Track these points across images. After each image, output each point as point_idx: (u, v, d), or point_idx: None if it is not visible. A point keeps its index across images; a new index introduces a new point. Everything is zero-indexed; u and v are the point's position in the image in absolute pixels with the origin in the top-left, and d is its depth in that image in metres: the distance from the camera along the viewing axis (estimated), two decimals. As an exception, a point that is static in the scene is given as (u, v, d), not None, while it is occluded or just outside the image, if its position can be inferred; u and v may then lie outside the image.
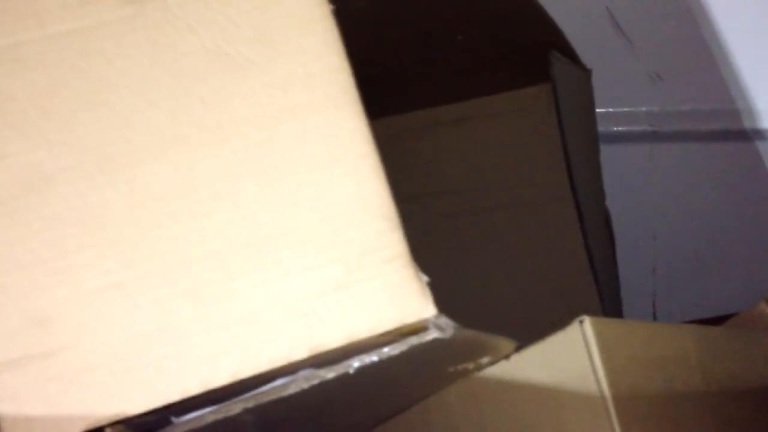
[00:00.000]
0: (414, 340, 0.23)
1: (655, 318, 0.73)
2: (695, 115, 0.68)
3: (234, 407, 0.25)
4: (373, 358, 0.24)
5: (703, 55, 0.68)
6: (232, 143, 0.25)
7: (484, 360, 0.31)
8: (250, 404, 0.25)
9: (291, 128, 0.25)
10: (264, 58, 0.26)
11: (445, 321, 0.23)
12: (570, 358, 0.29)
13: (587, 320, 0.29)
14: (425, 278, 0.23)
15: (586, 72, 0.60)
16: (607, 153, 0.62)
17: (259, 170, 0.25)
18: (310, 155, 0.25)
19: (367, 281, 0.23)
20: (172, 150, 0.25)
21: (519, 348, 0.32)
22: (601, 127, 0.64)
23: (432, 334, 0.23)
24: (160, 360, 0.24)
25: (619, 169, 0.69)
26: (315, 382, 0.24)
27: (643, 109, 0.69)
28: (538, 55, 0.57)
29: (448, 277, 0.64)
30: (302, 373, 0.24)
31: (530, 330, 0.33)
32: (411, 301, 0.23)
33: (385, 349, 0.24)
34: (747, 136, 0.66)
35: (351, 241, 0.24)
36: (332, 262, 0.24)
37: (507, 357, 0.32)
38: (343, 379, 0.24)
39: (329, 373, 0.24)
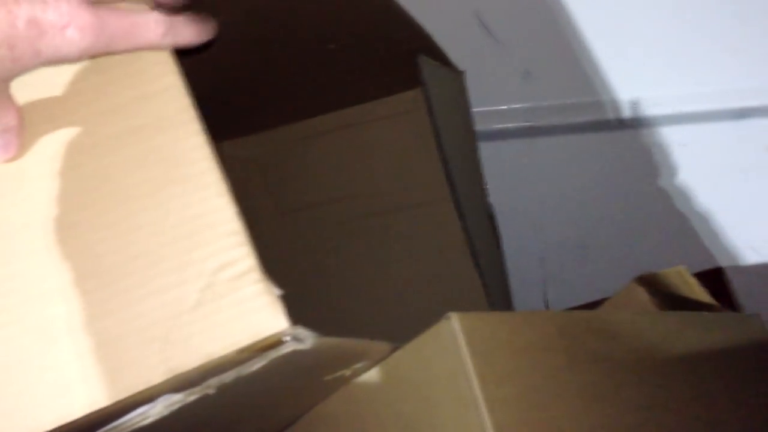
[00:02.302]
0: (273, 354, 0.23)
1: (547, 306, 0.76)
2: (566, 108, 0.71)
3: (96, 441, 0.24)
4: (232, 376, 0.23)
5: (568, 51, 0.71)
6: (69, 174, 0.24)
7: (359, 365, 0.31)
8: (113, 437, 0.24)
9: (128, 153, 0.25)
10: (94, 85, 0.25)
11: (303, 332, 0.23)
12: (440, 355, 0.30)
13: (453, 316, 0.30)
14: (278, 291, 0.23)
15: (459, 73, 0.62)
16: (488, 150, 0.64)
17: (99, 199, 0.24)
18: (150, 178, 0.24)
19: (219, 299, 0.23)
20: (6, 186, 0.24)
21: (395, 349, 0.32)
22: (480, 126, 0.66)
23: (290, 347, 0.23)
24: (12, 397, 0.23)
25: (501, 166, 0.71)
26: (176, 407, 0.24)
27: (518, 106, 0.71)
28: (410, 60, 0.58)
29: (340, 284, 0.65)
30: (161, 399, 0.23)
31: (422, 330, 0.33)
32: (264, 316, 0.23)
33: (245, 366, 0.23)
34: (613, 125, 0.70)
35: (199, 261, 0.23)
36: (182, 283, 0.23)
37: (383, 360, 0.32)
38: (208, 401, 0.24)
39: (190, 396, 0.24)
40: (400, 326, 0.62)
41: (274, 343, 0.23)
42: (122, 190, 0.25)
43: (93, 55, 0.27)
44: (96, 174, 0.25)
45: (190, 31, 0.29)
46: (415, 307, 0.61)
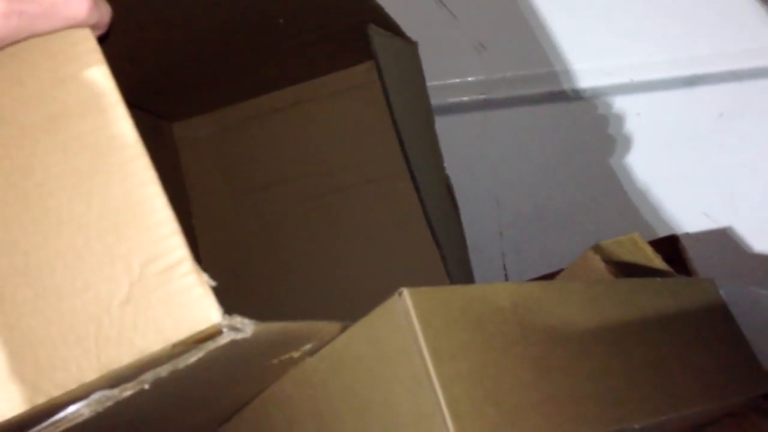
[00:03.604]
0: (210, 346, 0.23)
1: (506, 278, 0.76)
2: (520, 80, 0.71)
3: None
4: (168, 369, 0.23)
5: (521, 23, 0.71)
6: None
7: (307, 347, 0.30)
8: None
9: (50, 142, 0.23)
10: (12, 71, 0.24)
11: (241, 321, 0.22)
12: (392, 331, 0.29)
13: (405, 291, 0.30)
14: (211, 282, 0.22)
15: (412, 44, 0.61)
16: (443, 124, 0.63)
17: (22, 192, 0.23)
18: (73, 169, 0.23)
19: (151, 293, 0.22)
20: None
21: (345, 328, 0.31)
22: (435, 100, 0.66)
23: (228, 337, 0.22)
24: None
25: (457, 139, 0.71)
26: (110, 403, 0.23)
27: (472, 78, 0.71)
28: (361, 32, 0.57)
29: (297, 263, 0.64)
30: (95, 396, 0.22)
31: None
32: (197, 308, 0.22)
33: (181, 359, 0.23)
34: (567, 96, 0.70)
35: (128, 253, 0.22)
36: (111, 278, 0.22)
37: (333, 339, 0.31)
38: (144, 395, 0.23)
39: (124, 392, 0.23)
40: (359, 303, 0.62)
41: (211, 335, 0.22)
42: (45, 183, 0.23)
43: (15, 40, 0.25)
44: (17, 166, 0.23)
45: (109, 10, 0.27)
46: (374, 284, 0.61)
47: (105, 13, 0.26)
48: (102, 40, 0.25)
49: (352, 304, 0.61)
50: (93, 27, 0.26)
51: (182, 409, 0.30)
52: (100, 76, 0.24)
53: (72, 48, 0.24)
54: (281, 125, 0.65)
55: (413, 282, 0.30)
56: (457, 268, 0.60)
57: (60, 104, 0.24)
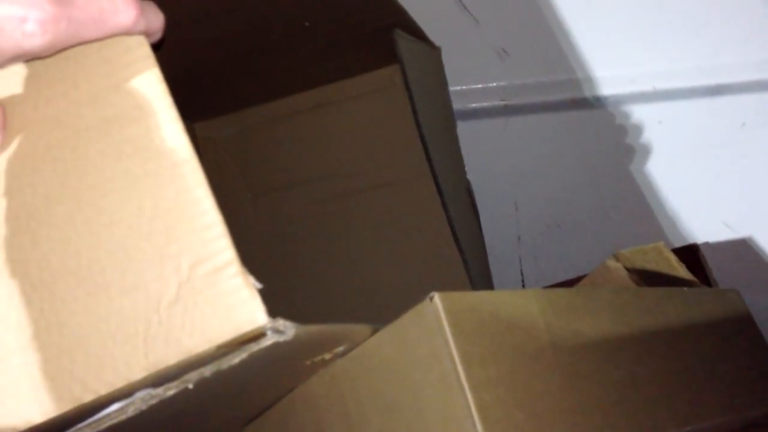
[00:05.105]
0: (253, 347, 0.23)
1: (524, 285, 0.77)
2: (542, 86, 0.71)
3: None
4: (212, 369, 0.23)
5: (544, 30, 0.71)
6: (44, 169, 0.24)
7: (340, 349, 0.31)
8: (89, 432, 0.23)
9: (103, 145, 0.24)
10: (68, 75, 0.24)
11: (283, 323, 0.23)
12: (422, 335, 0.30)
13: (436, 296, 0.30)
14: (257, 284, 0.22)
15: (436, 49, 0.61)
16: (464, 129, 0.64)
17: (75, 193, 0.24)
18: (125, 171, 0.24)
19: (198, 294, 0.22)
20: None
21: (376, 331, 0.32)
22: (457, 105, 0.66)
23: (271, 339, 0.23)
24: None
25: (477, 144, 0.71)
26: (153, 402, 0.23)
27: (494, 84, 0.71)
28: (386, 36, 0.57)
29: (317, 265, 0.64)
30: (139, 394, 0.23)
31: (403, 310, 0.33)
32: (243, 311, 0.22)
33: (224, 360, 0.23)
34: (589, 103, 0.70)
35: (177, 254, 0.23)
36: (160, 278, 0.23)
37: (364, 341, 0.32)
38: (186, 394, 0.24)
39: (168, 392, 0.23)
40: (380, 306, 0.62)
41: (255, 336, 0.22)
42: (98, 184, 0.24)
43: (63, 46, 0.25)
44: (71, 167, 0.24)
45: (159, 18, 0.28)
46: (394, 286, 0.61)
47: (154, 21, 0.27)
48: (157, 45, 0.26)
49: (370, 307, 0.62)
50: (141, 34, 0.26)
51: (214, 408, 0.30)
52: (152, 81, 0.24)
53: (126, 54, 0.25)
54: (303, 127, 0.66)
55: (432, 286, 0.31)
56: (477, 272, 0.60)
57: (113, 108, 0.24)
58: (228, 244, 0.22)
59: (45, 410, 0.23)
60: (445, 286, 0.42)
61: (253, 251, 0.64)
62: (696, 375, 0.38)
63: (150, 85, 0.24)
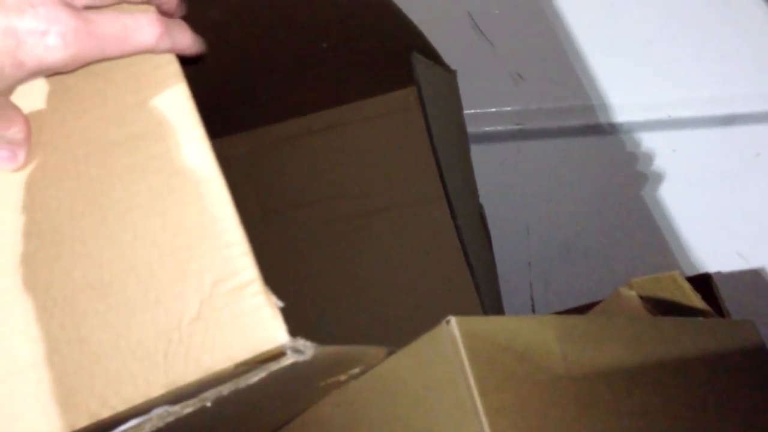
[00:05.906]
0: (273, 366, 0.23)
1: (533, 310, 0.76)
2: (556, 112, 0.71)
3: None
4: (230, 388, 0.23)
5: (559, 55, 0.71)
6: (69, 183, 0.24)
7: (355, 370, 0.30)
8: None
9: (128, 161, 0.24)
10: (95, 90, 0.24)
11: (303, 343, 0.23)
12: (438, 359, 0.29)
13: (453, 320, 0.30)
14: (279, 303, 0.22)
15: (451, 73, 0.62)
16: (477, 152, 0.64)
17: (99, 208, 0.24)
18: (150, 188, 0.24)
19: (220, 311, 0.22)
20: (8, 194, 0.23)
21: (390, 353, 0.32)
22: (471, 128, 0.66)
23: (290, 359, 0.23)
24: (14, 408, 0.23)
25: (490, 168, 0.71)
26: (170, 419, 0.23)
27: (508, 108, 0.71)
28: (402, 58, 0.57)
29: (328, 285, 0.64)
30: (156, 411, 0.22)
31: (413, 332, 0.33)
32: (264, 329, 0.22)
33: (243, 378, 0.23)
34: (603, 129, 0.70)
35: (199, 271, 0.23)
36: (182, 295, 0.23)
37: (378, 363, 0.31)
38: (203, 411, 0.23)
39: (185, 409, 0.23)
40: (390, 328, 0.62)
41: (274, 355, 0.22)
42: (122, 200, 0.24)
43: (85, 62, 0.25)
44: (96, 183, 0.24)
45: (186, 37, 0.28)
46: (405, 309, 0.61)
47: (180, 40, 0.27)
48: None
49: (380, 329, 0.61)
50: (167, 53, 0.26)
51: (228, 426, 0.30)
52: (180, 98, 0.24)
53: (155, 71, 0.25)
54: (316, 147, 0.66)
55: (443, 309, 0.30)
56: (489, 297, 0.60)
57: (140, 125, 0.24)
58: (251, 263, 0.22)
59: (61, 425, 0.22)
60: (455, 309, 0.41)
61: (264, 270, 0.64)
62: (710, 406, 0.38)
63: (177, 103, 0.24)
